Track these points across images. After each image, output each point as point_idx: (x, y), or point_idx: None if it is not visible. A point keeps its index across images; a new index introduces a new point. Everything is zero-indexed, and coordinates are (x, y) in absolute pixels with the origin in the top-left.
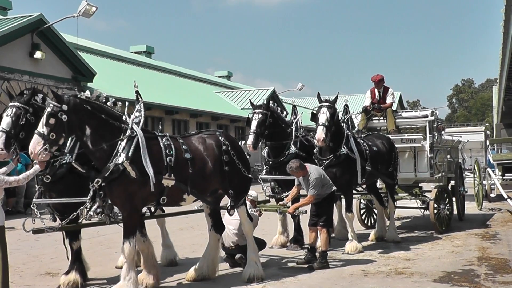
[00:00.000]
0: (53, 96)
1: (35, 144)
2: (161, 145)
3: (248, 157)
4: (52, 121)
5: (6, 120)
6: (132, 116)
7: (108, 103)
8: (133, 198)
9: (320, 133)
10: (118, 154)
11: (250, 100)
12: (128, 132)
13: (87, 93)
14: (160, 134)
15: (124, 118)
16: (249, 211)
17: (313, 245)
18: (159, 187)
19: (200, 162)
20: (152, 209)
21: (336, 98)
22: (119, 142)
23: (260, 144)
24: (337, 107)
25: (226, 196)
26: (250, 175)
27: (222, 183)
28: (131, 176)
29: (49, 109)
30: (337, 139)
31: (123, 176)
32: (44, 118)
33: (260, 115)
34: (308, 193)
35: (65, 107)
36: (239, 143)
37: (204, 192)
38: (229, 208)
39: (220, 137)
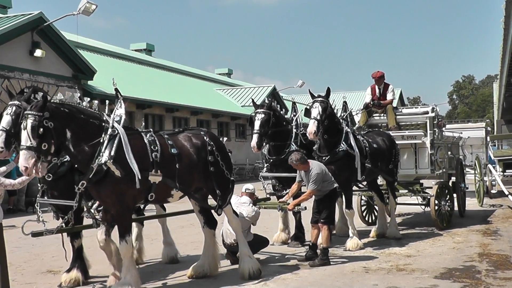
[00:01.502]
0: (29, 106)
1: (26, 160)
2: (146, 141)
3: (229, 153)
4: (40, 131)
5: (6, 118)
6: (112, 115)
7: (84, 103)
8: (122, 197)
9: (312, 127)
10: (101, 154)
11: (252, 99)
12: (110, 131)
13: (59, 95)
14: (143, 130)
15: (104, 117)
16: (250, 206)
17: (314, 242)
18: (147, 184)
19: (186, 159)
20: (141, 206)
21: (328, 93)
22: (101, 142)
23: (264, 144)
24: (330, 102)
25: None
26: (232, 178)
27: (206, 183)
28: (116, 175)
29: (31, 120)
30: (334, 134)
31: (108, 176)
32: (28, 131)
33: (263, 115)
34: (308, 188)
35: (47, 114)
36: (222, 140)
37: (189, 188)
38: (217, 208)
39: (205, 137)
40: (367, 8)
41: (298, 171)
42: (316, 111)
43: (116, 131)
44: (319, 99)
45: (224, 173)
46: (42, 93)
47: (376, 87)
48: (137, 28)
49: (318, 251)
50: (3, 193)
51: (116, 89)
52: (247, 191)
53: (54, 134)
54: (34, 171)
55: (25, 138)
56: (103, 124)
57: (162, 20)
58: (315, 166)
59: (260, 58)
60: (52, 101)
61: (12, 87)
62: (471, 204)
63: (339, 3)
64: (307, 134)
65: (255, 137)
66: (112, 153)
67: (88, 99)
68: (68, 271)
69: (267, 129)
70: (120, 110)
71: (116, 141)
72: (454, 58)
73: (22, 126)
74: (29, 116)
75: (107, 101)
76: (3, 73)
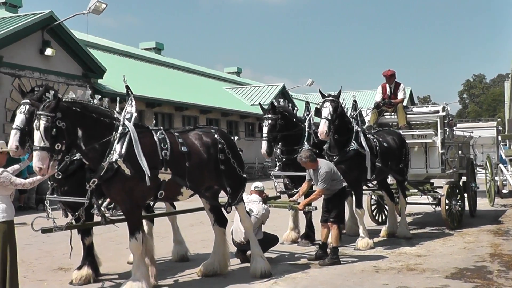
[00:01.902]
0: (42, 106)
1: (43, 160)
2: (156, 139)
3: (240, 152)
4: (54, 132)
5: (20, 117)
6: (123, 113)
7: (95, 101)
8: (132, 194)
9: (323, 127)
10: (112, 152)
11: (260, 104)
12: (120, 129)
13: (71, 94)
14: (154, 128)
15: (114, 115)
16: (260, 205)
17: (324, 241)
18: (156, 182)
19: (196, 157)
20: (151, 204)
21: (339, 93)
22: (112, 140)
23: (274, 149)
24: (341, 102)
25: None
26: (244, 175)
27: (218, 181)
28: (126, 173)
29: (44, 120)
30: (344, 134)
31: (118, 174)
32: (42, 132)
33: (269, 121)
34: (317, 187)
35: (59, 114)
36: (232, 139)
37: (201, 188)
38: (226, 206)
39: (215, 135)
40: (377, 7)
41: (307, 170)
42: (326, 110)
43: (127, 129)
44: (329, 98)
45: (236, 171)
46: (53, 92)
47: (387, 85)
48: (146, 27)
49: (328, 250)
50: (14, 191)
51: (127, 87)
52: (256, 189)
53: (66, 134)
54: (48, 171)
55: (38, 139)
56: (114, 122)
57: (171, 19)
58: (324, 165)
59: (269, 57)
60: (64, 99)
61: (23, 86)
62: (482, 204)
63: (349, 1)
64: (318, 134)
65: (264, 144)
66: (123, 151)
67: (99, 96)
68: (79, 268)
69: (276, 133)
70: (130, 108)
71: (126, 139)
72: (464, 57)
73: (34, 126)
74: (42, 116)
75: (118, 99)
76: (13, 71)
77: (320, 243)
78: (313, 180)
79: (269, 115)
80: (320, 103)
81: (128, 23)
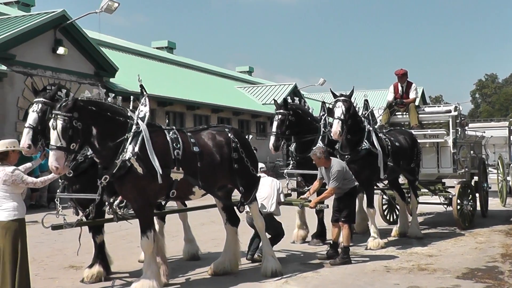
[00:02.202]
0: (58, 104)
1: (59, 160)
2: (168, 138)
3: (255, 151)
4: (70, 132)
5: (33, 116)
6: (136, 111)
7: (109, 99)
8: (144, 193)
9: (336, 127)
10: (125, 150)
11: (274, 100)
12: (134, 128)
13: (86, 93)
14: (167, 127)
15: (128, 113)
16: (272, 184)
17: (335, 240)
18: (168, 181)
19: (209, 157)
20: (163, 203)
21: (351, 92)
22: (125, 138)
23: (282, 144)
24: (353, 101)
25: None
26: (258, 174)
27: (231, 180)
28: (138, 172)
29: (61, 120)
30: (356, 133)
31: (131, 171)
32: (59, 132)
33: (280, 116)
34: (328, 186)
35: (76, 114)
36: (247, 138)
37: (214, 187)
38: (239, 205)
39: (229, 134)
40: (389, 6)
41: (319, 169)
42: (339, 110)
43: (140, 128)
44: (342, 98)
45: (249, 170)
46: (65, 90)
47: (399, 85)
48: (157, 26)
49: (339, 249)
50: (26, 189)
51: (141, 85)
52: (261, 169)
53: (81, 134)
54: (63, 171)
55: (55, 139)
56: (128, 120)
57: (183, 18)
58: (336, 163)
59: (280, 56)
60: (80, 99)
61: (36, 84)
62: (494, 204)
63: (360, 0)
64: (332, 134)
65: (272, 139)
66: (136, 149)
67: (113, 94)
68: (90, 266)
69: (285, 129)
70: (144, 107)
71: (139, 138)
72: (477, 57)
73: (51, 125)
74: (59, 116)
75: (131, 97)
76: (26, 70)
77: (331, 243)
78: (325, 179)
79: (280, 111)
80: (332, 103)
81: (140, 22)
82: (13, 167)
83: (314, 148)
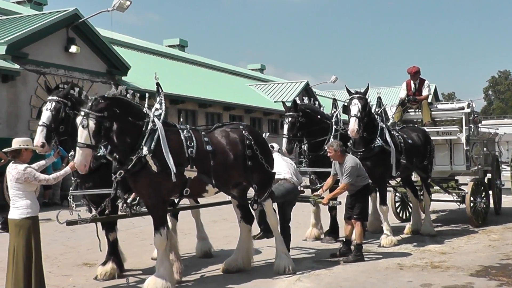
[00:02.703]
0: (90, 104)
1: (87, 158)
2: (182, 137)
3: (271, 148)
4: (102, 131)
5: (46, 114)
6: (153, 109)
7: (128, 95)
8: (158, 190)
9: (353, 125)
10: (141, 147)
11: (283, 102)
12: (150, 125)
13: (113, 89)
14: (181, 126)
15: (145, 111)
16: (290, 178)
17: (348, 238)
18: (182, 179)
19: (222, 155)
20: (176, 201)
21: (367, 89)
22: (142, 135)
23: (295, 146)
24: (368, 99)
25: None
26: (273, 170)
27: (246, 177)
28: (153, 169)
29: (93, 120)
30: (371, 131)
31: (145, 168)
32: (91, 130)
33: (290, 118)
34: (342, 181)
35: (106, 113)
36: (263, 135)
37: (228, 185)
38: (252, 202)
39: (243, 132)
40: (401, 3)
41: (333, 165)
42: (356, 108)
43: (156, 126)
44: (357, 95)
45: (264, 167)
46: (78, 89)
47: (412, 82)
48: (169, 24)
49: (352, 247)
50: (39, 187)
51: (157, 84)
52: (274, 150)
53: (107, 132)
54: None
55: (85, 137)
56: (145, 118)
57: (195, 16)
58: (350, 159)
59: (292, 53)
60: (106, 96)
61: (48, 83)
62: (507, 201)
63: None
64: (349, 133)
65: (284, 142)
66: (152, 147)
67: (132, 91)
68: (104, 264)
69: (296, 131)
70: (160, 106)
71: (155, 136)
72: (489, 53)
73: (80, 124)
74: (91, 115)
75: (146, 95)
76: (39, 69)
77: (344, 240)
78: (338, 175)
79: (290, 113)
80: (348, 101)
81: (151, 20)
82: (25, 165)
83: (331, 141)
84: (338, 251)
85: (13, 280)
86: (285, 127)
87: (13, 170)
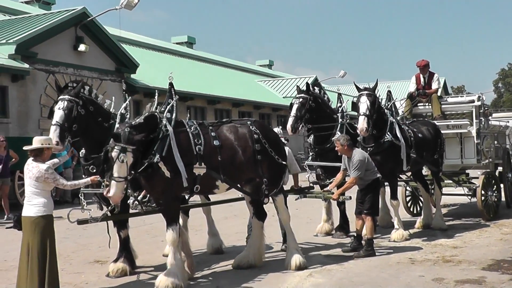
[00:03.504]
0: (126, 137)
1: (123, 189)
2: (190, 135)
3: (285, 142)
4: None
5: (59, 113)
6: (165, 112)
7: (152, 108)
8: (170, 187)
9: (362, 123)
10: (153, 152)
11: (297, 86)
12: (163, 130)
13: (145, 113)
14: (188, 122)
15: (158, 117)
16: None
17: (359, 233)
18: (191, 176)
19: (229, 151)
20: (186, 197)
21: (375, 85)
22: (154, 140)
23: (300, 128)
24: (377, 94)
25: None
26: (284, 162)
27: (256, 172)
28: (165, 174)
29: (131, 154)
30: (380, 126)
31: (158, 171)
32: (129, 163)
33: (300, 99)
34: (351, 175)
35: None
36: (275, 130)
37: (239, 181)
38: (263, 197)
39: (251, 126)
40: None
41: (343, 160)
42: (364, 106)
43: (168, 132)
44: (366, 92)
45: (274, 161)
46: (88, 87)
47: (421, 76)
48: (177, 21)
49: (363, 242)
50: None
51: (170, 84)
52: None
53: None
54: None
55: (124, 172)
56: (158, 123)
57: (202, 12)
58: (358, 153)
59: (300, 49)
60: (138, 123)
61: (58, 82)
62: None
63: None
64: (358, 131)
65: (290, 120)
66: (164, 153)
67: (154, 103)
68: (115, 261)
69: (304, 112)
70: (172, 108)
71: (167, 142)
72: (499, 46)
73: (117, 158)
74: (128, 150)
75: (156, 91)
76: (48, 68)
77: (355, 235)
78: (348, 170)
79: (301, 94)
80: (357, 97)
81: (158, 18)
82: (47, 165)
83: (337, 135)
84: (349, 246)
85: (28, 278)
86: (294, 106)
87: (34, 169)
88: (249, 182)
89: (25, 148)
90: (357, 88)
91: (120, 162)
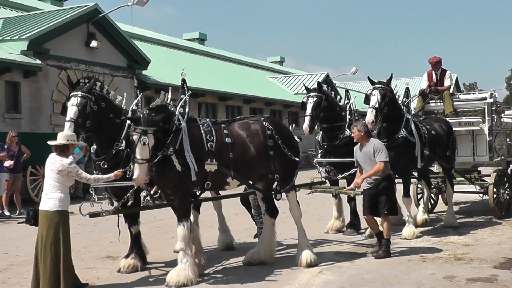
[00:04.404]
0: (147, 120)
1: (147, 171)
2: (202, 132)
3: (299, 140)
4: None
5: (73, 109)
6: (178, 107)
7: (161, 97)
8: (182, 183)
9: (370, 116)
10: (166, 145)
11: (304, 84)
12: (176, 124)
13: (157, 100)
14: (200, 119)
15: (171, 110)
16: None
17: (377, 231)
18: (203, 173)
19: (241, 147)
20: (197, 194)
21: (390, 79)
22: (167, 134)
23: (316, 127)
24: (393, 88)
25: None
26: (297, 159)
27: (268, 168)
28: (176, 168)
29: (152, 136)
30: (393, 121)
31: (170, 165)
32: (151, 145)
33: (315, 98)
34: (378, 160)
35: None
36: (289, 127)
37: (250, 177)
38: (275, 193)
39: (264, 123)
40: None
41: (355, 153)
42: (374, 99)
43: (181, 126)
44: (378, 86)
45: (287, 157)
46: (99, 83)
47: (433, 72)
48: (188, 17)
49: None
50: (74, 183)
51: (183, 80)
52: None
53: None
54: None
55: (145, 153)
56: (171, 117)
57: (213, 9)
58: (376, 140)
59: (311, 45)
60: (152, 108)
61: (70, 78)
62: None
63: None
64: (366, 124)
65: (307, 120)
66: (177, 147)
67: (163, 92)
68: (127, 256)
69: (319, 111)
70: (185, 104)
71: (180, 136)
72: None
73: (140, 141)
74: (149, 132)
75: (169, 88)
76: (60, 64)
77: (377, 238)
78: (359, 160)
79: (315, 93)
80: (370, 90)
81: (169, 14)
82: (70, 159)
83: (355, 122)
84: (379, 251)
85: (41, 272)
86: (309, 106)
87: (58, 162)
88: (261, 179)
89: (50, 143)
90: (371, 81)
91: (142, 144)
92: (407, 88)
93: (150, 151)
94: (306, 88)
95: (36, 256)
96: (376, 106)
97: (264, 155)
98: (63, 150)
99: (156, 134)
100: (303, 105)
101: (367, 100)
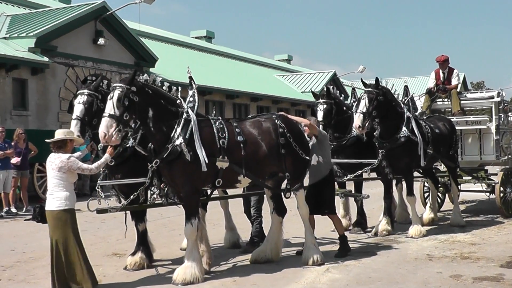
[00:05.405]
0: (119, 79)
1: (108, 127)
2: (214, 128)
3: (309, 139)
4: (126, 102)
5: (79, 107)
6: (187, 100)
7: (164, 87)
8: (192, 179)
9: (356, 121)
10: (176, 136)
11: (311, 90)
12: (184, 115)
13: (145, 76)
14: (213, 118)
15: (179, 102)
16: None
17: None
18: (214, 170)
19: (253, 145)
20: (208, 192)
21: (376, 82)
22: (177, 124)
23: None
24: (390, 87)
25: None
26: (308, 157)
27: (279, 166)
28: (186, 158)
29: (119, 90)
30: (393, 119)
31: (180, 157)
32: (114, 100)
33: (325, 105)
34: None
35: (134, 88)
36: (299, 126)
37: (262, 175)
38: (285, 191)
39: (276, 120)
40: None
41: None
42: (362, 103)
43: (190, 117)
44: (367, 89)
45: (298, 155)
46: (106, 81)
47: (441, 71)
48: (196, 15)
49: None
50: (77, 179)
51: (190, 77)
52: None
53: (137, 109)
54: (112, 139)
55: (109, 107)
56: (179, 109)
57: (221, 7)
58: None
59: (319, 44)
60: (138, 80)
61: (77, 75)
62: None
63: None
64: (353, 128)
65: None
66: (187, 136)
67: (168, 84)
68: (133, 254)
69: (330, 119)
70: (194, 98)
71: (189, 127)
72: None
73: (108, 96)
74: (118, 87)
75: (179, 88)
76: (67, 61)
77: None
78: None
79: (325, 100)
80: (362, 94)
81: (176, 12)
82: (68, 154)
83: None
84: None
85: (55, 274)
86: (320, 113)
87: (56, 159)
88: (272, 177)
89: (47, 140)
90: (364, 84)
91: (109, 99)
92: (406, 87)
93: (114, 107)
94: (313, 94)
95: (51, 257)
96: (364, 110)
97: (276, 153)
98: (60, 146)
99: (125, 93)
100: (313, 112)
101: (358, 104)
